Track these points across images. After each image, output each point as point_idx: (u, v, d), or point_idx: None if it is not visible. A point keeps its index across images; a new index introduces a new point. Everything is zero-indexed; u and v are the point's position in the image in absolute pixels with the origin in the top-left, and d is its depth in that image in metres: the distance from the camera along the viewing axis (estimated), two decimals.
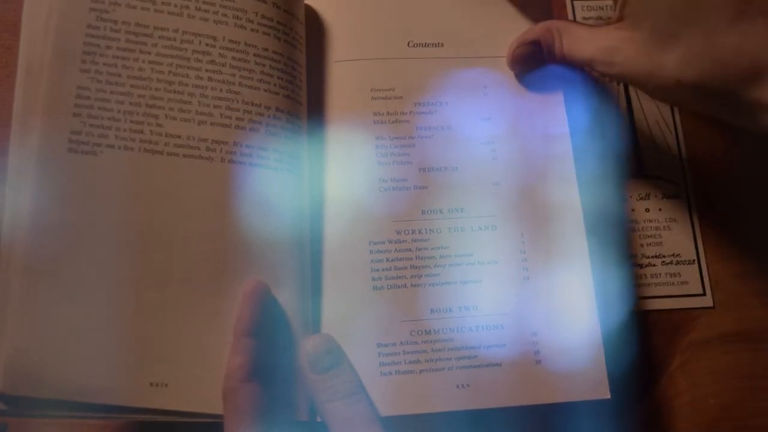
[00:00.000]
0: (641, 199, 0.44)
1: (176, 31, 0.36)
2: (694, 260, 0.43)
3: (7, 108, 0.42)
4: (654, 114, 0.46)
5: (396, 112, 0.39)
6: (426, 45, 0.41)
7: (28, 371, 0.31)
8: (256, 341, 0.33)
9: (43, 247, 0.32)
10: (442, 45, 0.41)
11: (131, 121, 0.34)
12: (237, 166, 0.35)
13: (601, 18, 0.48)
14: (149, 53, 0.35)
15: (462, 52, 0.41)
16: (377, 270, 0.36)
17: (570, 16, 0.48)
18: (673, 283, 0.43)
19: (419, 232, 0.37)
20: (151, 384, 0.32)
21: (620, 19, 0.34)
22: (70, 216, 0.33)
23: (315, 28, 0.41)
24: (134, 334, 0.33)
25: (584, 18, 0.48)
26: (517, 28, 0.41)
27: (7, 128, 0.42)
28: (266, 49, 0.37)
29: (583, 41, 0.37)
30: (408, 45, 0.41)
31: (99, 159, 0.33)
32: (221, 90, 0.36)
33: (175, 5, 0.36)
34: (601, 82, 0.46)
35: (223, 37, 0.36)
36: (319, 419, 0.34)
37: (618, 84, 0.46)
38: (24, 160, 0.33)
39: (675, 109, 0.46)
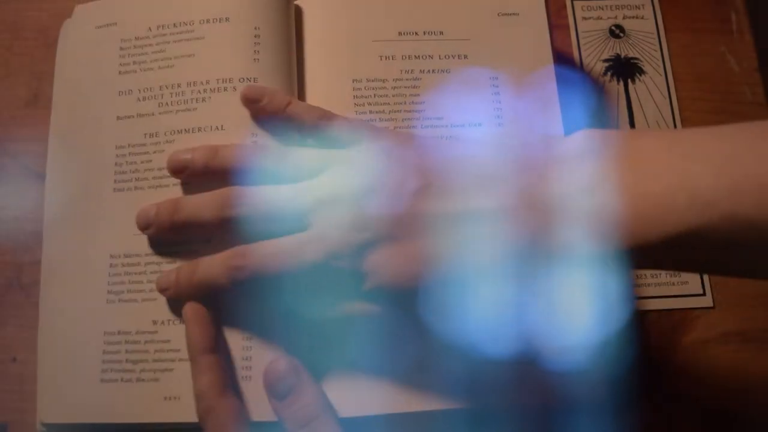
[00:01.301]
0: None
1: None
2: None
3: (8, 108, 0.42)
4: (654, 114, 0.46)
5: (389, 119, 0.39)
6: (415, 33, 0.40)
7: (62, 400, 0.33)
8: (217, 356, 0.32)
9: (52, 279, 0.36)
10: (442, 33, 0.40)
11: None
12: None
13: (601, 18, 0.48)
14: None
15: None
16: None
17: (570, 17, 0.48)
18: (673, 283, 0.43)
19: None
20: (165, 398, 0.33)
21: None
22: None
23: (310, 31, 0.41)
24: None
25: (584, 18, 0.48)
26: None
27: (6, 128, 0.42)
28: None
29: None
30: (399, 34, 0.40)
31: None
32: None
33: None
34: (600, 83, 0.45)
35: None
36: None
37: (618, 82, 0.46)
38: None
39: (675, 109, 0.46)
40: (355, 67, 0.39)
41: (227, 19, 0.37)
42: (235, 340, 0.34)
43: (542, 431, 0.39)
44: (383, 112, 0.39)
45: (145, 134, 0.37)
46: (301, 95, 0.39)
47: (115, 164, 0.36)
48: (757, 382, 0.41)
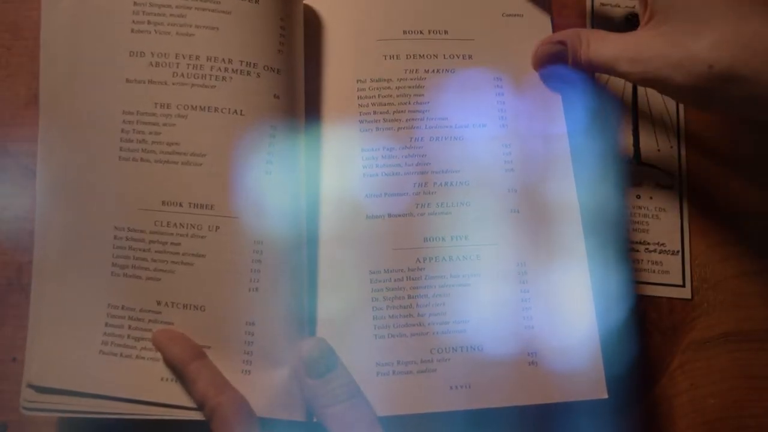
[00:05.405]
0: (634, 185, 0.44)
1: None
2: (678, 251, 0.43)
3: (8, 108, 0.42)
4: (659, 106, 0.46)
5: (393, 119, 0.39)
6: (420, 32, 0.40)
7: (55, 365, 0.33)
8: (204, 359, 0.33)
9: (50, 247, 0.34)
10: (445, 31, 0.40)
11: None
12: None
13: (618, 6, 0.47)
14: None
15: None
16: (376, 272, 0.36)
17: (588, 4, 0.47)
18: (654, 271, 0.42)
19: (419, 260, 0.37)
20: (162, 379, 0.33)
21: (650, 19, 0.35)
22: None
23: (314, 29, 0.41)
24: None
25: (602, 4, 0.48)
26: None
27: (6, 128, 0.42)
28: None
29: (609, 42, 0.37)
30: (403, 33, 0.40)
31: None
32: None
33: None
34: (601, 82, 0.45)
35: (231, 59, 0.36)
36: (315, 420, 0.34)
37: None
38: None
39: (680, 105, 0.46)
40: (360, 66, 0.39)
41: (257, 1, 0.36)
42: (235, 331, 0.34)
43: (542, 431, 0.39)
44: (387, 112, 0.39)
45: (156, 104, 0.35)
46: (312, 95, 0.39)
47: (122, 131, 0.35)
48: (757, 382, 0.41)
